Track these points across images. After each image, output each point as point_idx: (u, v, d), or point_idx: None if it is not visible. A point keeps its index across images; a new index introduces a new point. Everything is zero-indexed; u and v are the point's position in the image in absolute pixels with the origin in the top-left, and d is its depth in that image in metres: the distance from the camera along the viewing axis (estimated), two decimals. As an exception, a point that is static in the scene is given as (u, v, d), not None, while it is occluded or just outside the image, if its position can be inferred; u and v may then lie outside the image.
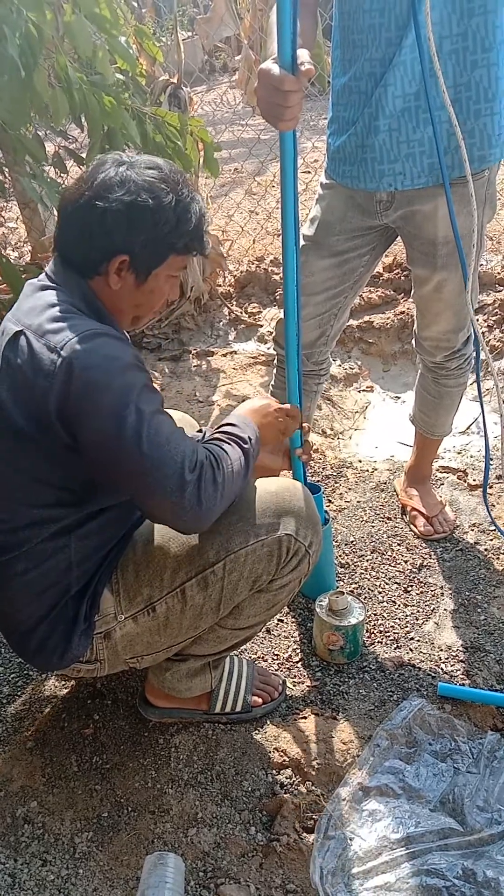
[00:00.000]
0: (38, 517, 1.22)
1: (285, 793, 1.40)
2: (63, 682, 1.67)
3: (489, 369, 2.87)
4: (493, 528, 2.06)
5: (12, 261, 2.75)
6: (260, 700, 1.55)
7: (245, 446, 1.28)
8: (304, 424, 1.53)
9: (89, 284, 1.23)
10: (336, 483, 2.33)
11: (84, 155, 2.52)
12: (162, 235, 1.21)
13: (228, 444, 1.26)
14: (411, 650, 1.72)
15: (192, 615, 1.32)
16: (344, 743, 1.49)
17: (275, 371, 1.99)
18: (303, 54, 1.18)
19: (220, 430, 1.33)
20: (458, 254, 1.47)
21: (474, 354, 1.77)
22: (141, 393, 1.14)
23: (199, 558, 1.28)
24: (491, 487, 2.21)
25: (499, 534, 2.03)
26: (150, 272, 1.24)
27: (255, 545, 1.29)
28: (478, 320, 3.01)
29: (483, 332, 3.00)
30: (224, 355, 3.17)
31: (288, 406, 1.46)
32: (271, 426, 1.41)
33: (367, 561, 2.00)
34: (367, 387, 2.96)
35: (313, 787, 1.41)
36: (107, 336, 1.16)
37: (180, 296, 3.23)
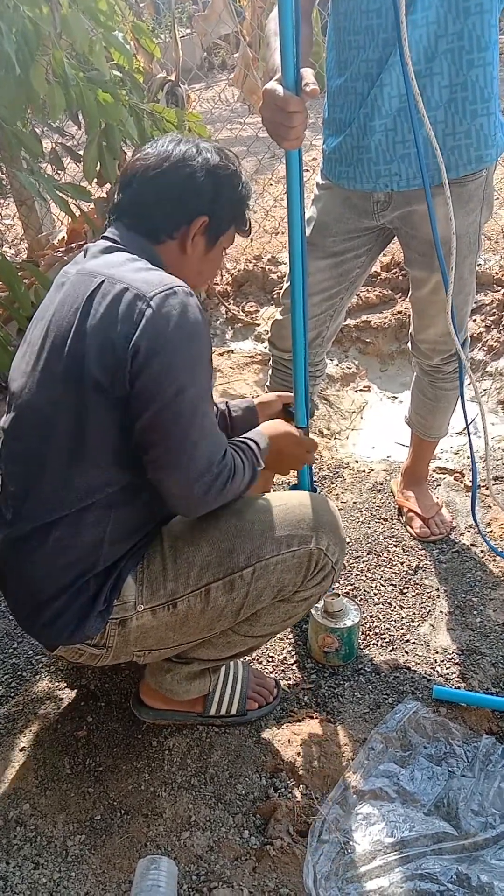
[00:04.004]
0: (88, 481, 1.21)
1: (279, 796, 1.40)
2: (56, 684, 1.66)
3: (486, 370, 2.86)
4: (489, 531, 2.06)
5: (9, 258, 2.73)
6: (255, 703, 1.55)
7: (256, 470, 1.34)
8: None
9: (156, 250, 1.25)
10: (332, 483, 2.32)
11: (81, 152, 2.50)
12: (237, 199, 1.28)
13: (248, 463, 1.32)
14: (407, 653, 1.71)
15: (212, 616, 1.31)
16: (338, 746, 1.48)
17: (270, 372, 1.98)
18: (307, 74, 1.17)
19: (248, 443, 1.36)
20: (438, 257, 1.46)
21: (465, 359, 1.76)
22: (207, 367, 1.20)
23: (229, 561, 1.28)
24: (487, 489, 2.21)
25: (493, 538, 2.03)
26: (218, 238, 1.29)
27: (287, 555, 1.30)
28: (474, 320, 3.01)
29: (481, 332, 2.99)
30: (221, 354, 3.16)
31: (313, 441, 1.50)
32: (289, 459, 1.48)
33: (363, 562, 1.99)
34: (364, 387, 2.96)
35: (307, 791, 1.41)
36: (192, 297, 1.18)
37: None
